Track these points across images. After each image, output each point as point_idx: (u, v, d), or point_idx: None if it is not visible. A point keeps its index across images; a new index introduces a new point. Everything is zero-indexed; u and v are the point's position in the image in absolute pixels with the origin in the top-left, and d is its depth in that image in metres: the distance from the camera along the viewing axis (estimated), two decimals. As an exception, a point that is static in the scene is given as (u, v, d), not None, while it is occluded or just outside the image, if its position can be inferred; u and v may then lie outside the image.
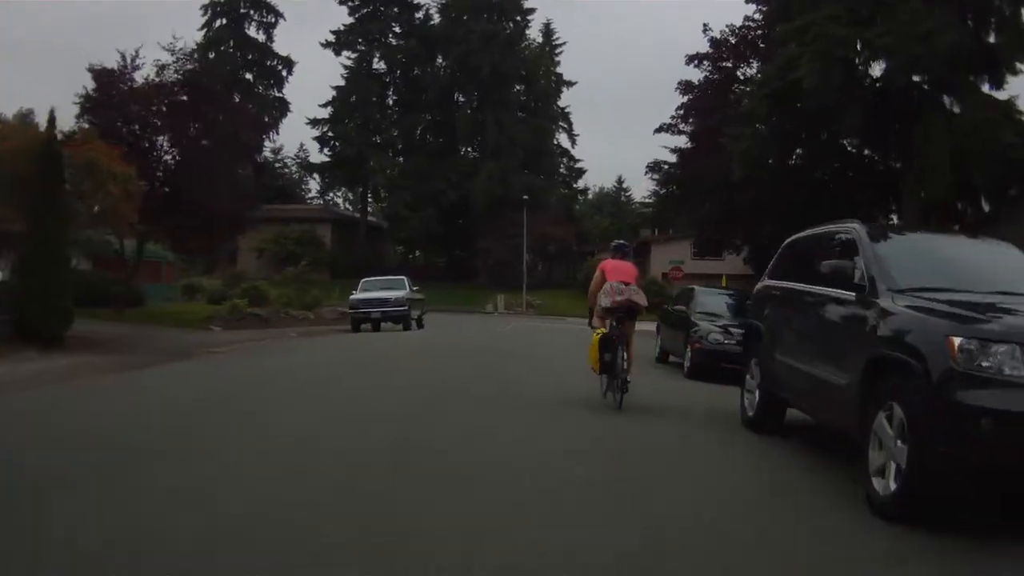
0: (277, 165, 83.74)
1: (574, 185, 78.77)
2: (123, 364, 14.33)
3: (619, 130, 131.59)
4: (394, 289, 28.06)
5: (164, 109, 26.86)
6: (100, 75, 26.36)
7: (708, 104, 39.24)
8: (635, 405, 9.80)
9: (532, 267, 69.16)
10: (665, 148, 72.12)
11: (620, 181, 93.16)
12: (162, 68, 27.29)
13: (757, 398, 8.47)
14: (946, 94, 27.96)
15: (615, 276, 9.96)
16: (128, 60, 27.00)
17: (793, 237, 8.74)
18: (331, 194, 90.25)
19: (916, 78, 27.63)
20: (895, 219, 30.74)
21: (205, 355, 16.98)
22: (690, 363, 15.95)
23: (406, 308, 27.17)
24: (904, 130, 27.62)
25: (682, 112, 42.31)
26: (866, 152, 32.06)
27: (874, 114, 27.12)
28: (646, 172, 45.69)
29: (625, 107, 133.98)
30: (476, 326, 35.57)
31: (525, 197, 59.62)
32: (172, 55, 27.75)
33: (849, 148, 32.11)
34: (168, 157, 28.51)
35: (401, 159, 69.84)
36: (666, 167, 39.75)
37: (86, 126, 25.15)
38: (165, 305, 32.54)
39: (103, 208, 20.07)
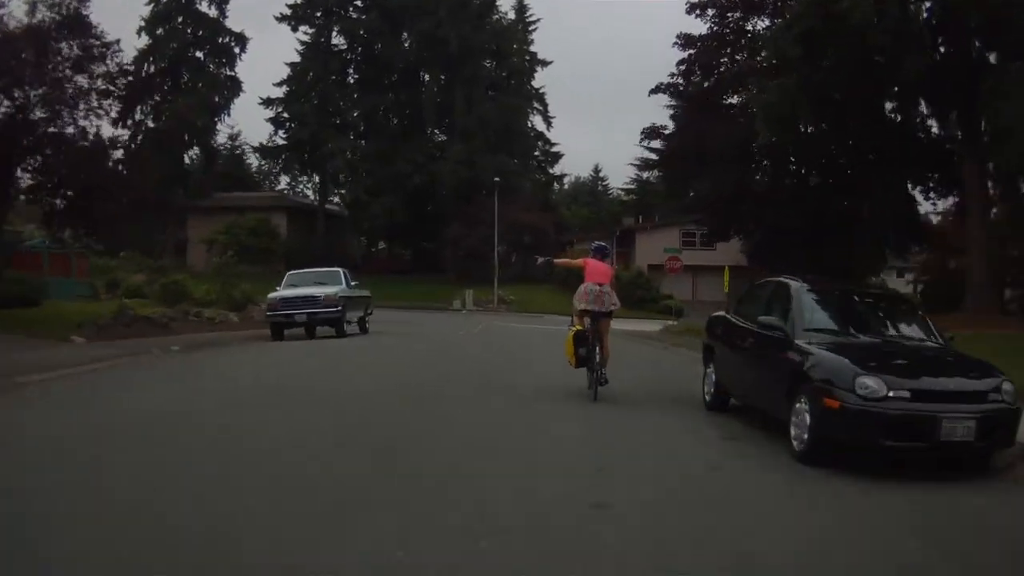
0: (237, 151, 77.94)
1: (550, 171, 73.01)
2: None
3: (596, 119, 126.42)
4: (326, 284, 22.52)
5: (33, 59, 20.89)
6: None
7: (711, 60, 33.18)
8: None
9: (505, 259, 63.76)
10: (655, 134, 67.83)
11: (597, 170, 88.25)
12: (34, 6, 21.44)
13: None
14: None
15: (592, 277, 10.97)
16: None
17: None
18: (297, 183, 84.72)
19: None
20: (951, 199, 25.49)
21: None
22: (814, 435, 7.96)
23: (339, 309, 21.64)
24: (968, 85, 22.20)
25: (683, 68, 35.66)
26: (923, 115, 26.38)
27: (934, 64, 21.72)
28: (641, 138, 40.10)
29: (602, 96, 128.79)
30: (438, 327, 30.33)
31: (496, 179, 54.19)
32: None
33: (891, 114, 26.54)
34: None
35: (363, 142, 63.99)
36: (665, 133, 33.08)
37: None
38: (68, 304, 26.92)
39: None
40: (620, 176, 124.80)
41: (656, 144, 79.05)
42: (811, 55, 23.04)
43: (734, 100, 28.66)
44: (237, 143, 76.41)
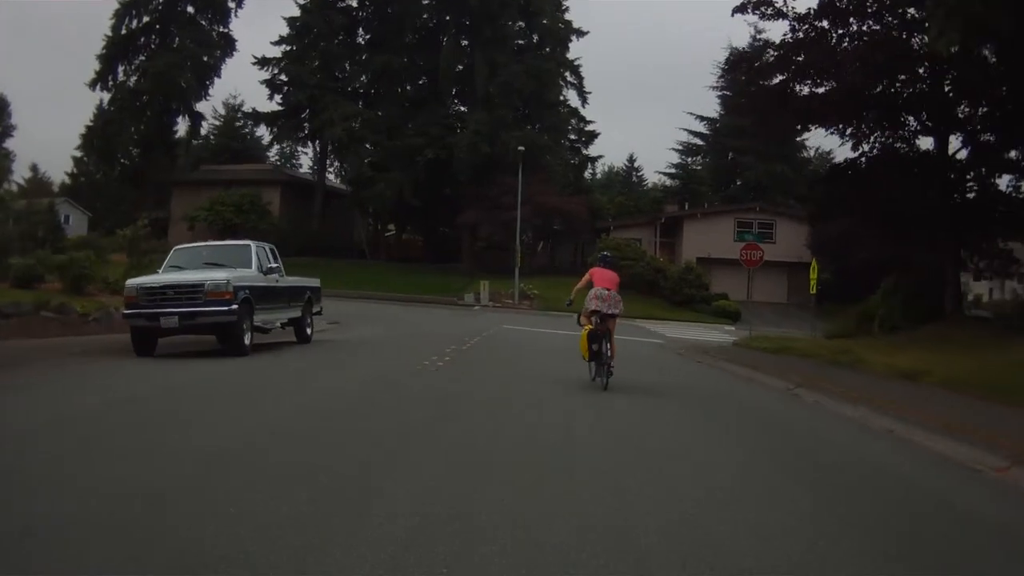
0: (238, 124, 69.86)
1: (584, 152, 64.02)
2: None
3: (629, 108, 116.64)
4: (223, 267, 14.04)
5: None
6: None
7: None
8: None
9: (530, 247, 55.18)
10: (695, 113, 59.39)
11: (632, 160, 78.85)
12: None
13: None
14: None
15: (601, 282, 11.87)
16: None
17: None
18: (295, 155, 76.62)
19: None
20: None
21: None
22: None
23: (230, 309, 13.05)
24: None
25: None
26: None
27: None
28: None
29: (640, 85, 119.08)
30: (425, 334, 22.10)
31: (521, 148, 45.56)
32: None
33: None
34: None
35: (371, 110, 55.40)
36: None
37: None
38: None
39: None
40: (657, 167, 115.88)
41: (702, 128, 72.32)
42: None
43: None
44: (238, 114, 68.60)
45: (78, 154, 67.06)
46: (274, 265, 15.03)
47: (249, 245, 14.97)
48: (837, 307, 48.65)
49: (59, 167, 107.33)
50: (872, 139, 21.72)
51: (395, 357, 14.82)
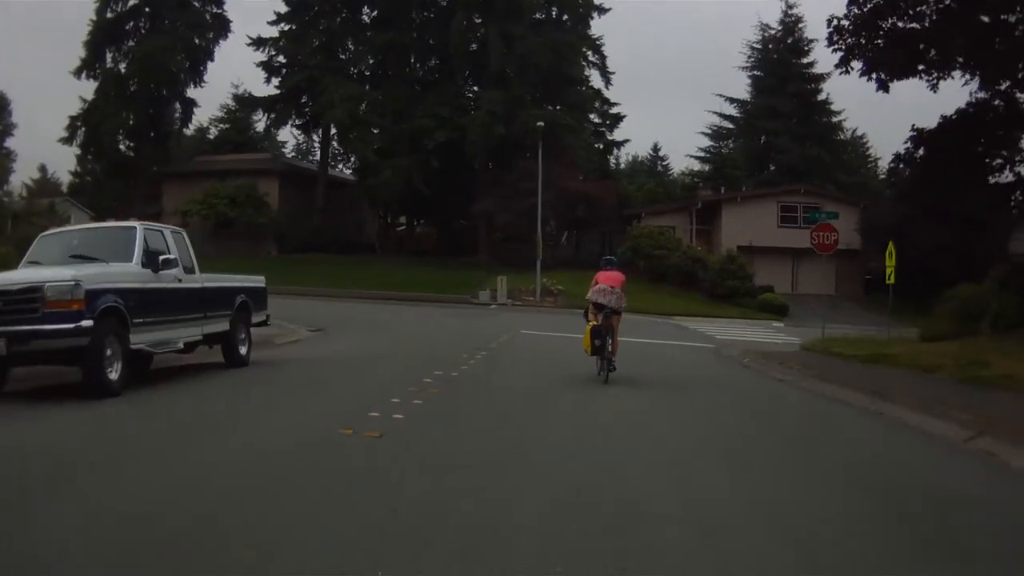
0: (240, 114, 65.21)
1: (609, 136, 58.78)
2: None
3: (653, 96, 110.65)
4: (94, 261, 9.44)
5: None
6: None
7: None
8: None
9: (554, 238, 50.39)
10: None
11: (656, 149, 73.65)
12: None
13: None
14: None
15: (605, 282, 12.48)
16: None
17: None
18: (298, 143, 72.40)
19: None
20: None
21: None
22: None
23: (82, 327, 8.33)
24: None
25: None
26: None
27: None
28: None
29: (663, 70, 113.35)
30: (415, 348, 17.69)
31: (540, 124, 40.72)
32: None
33: None
34: None
35: (375, 92, 50.59)
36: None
37: None
38: None
39: None
40: (682, 157, 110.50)
41: (732, 111, 67.12)
42: None
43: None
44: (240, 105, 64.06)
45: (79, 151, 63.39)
46: (171, 257, 10.18)
47: (134, 228, 10.15)
48: (892, 301, 43.60)
49: (68, 167, 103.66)
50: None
51: (353, 392, 10.18)
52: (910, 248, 29.88)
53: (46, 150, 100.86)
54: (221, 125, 66.60)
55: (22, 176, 63.80)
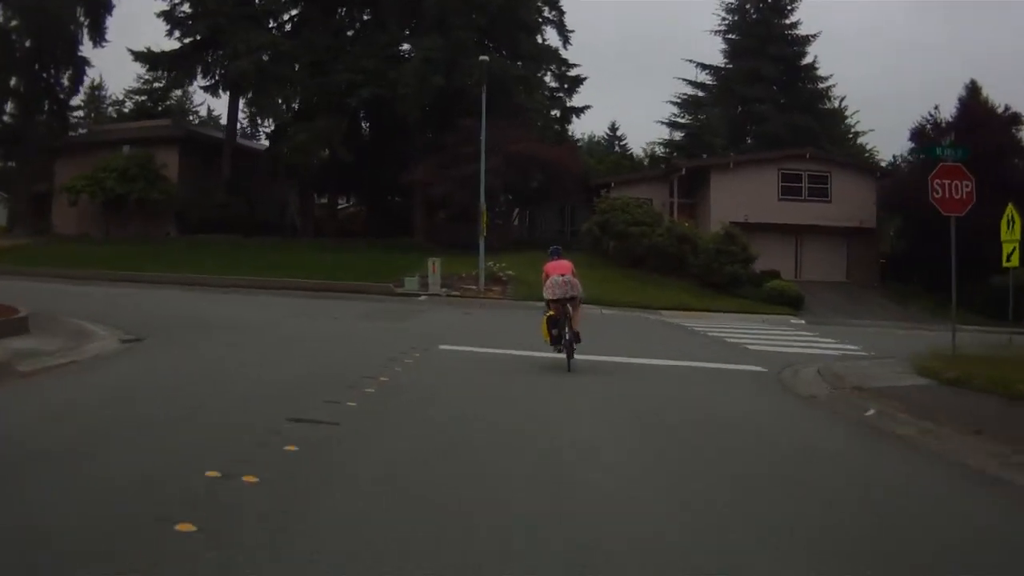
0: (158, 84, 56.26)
1: (569, 103, 50.16)
2: None
3: (608, 78, 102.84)
4: None
5: None
6: None
7: None
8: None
9: (505, 215, 42.55)
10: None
11: (614, 128, 65.52)
12: None
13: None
14: None
15: (555, 272, 12.60)
16: None
17: None
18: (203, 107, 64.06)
19: None
20: None
21: None
22: None
23: None
24: None
25: None
26: None
27: None
28: None
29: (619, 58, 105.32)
30: (257, 378, 10.44)
31: (483, 58, 32.79)
32: None
33: None
34: None
35: (291, 41, 42.24)
36: None
37: None
38: None
39: None
40: (642, 138, 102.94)
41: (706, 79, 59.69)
42: None
43: None
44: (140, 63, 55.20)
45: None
46: None
47: None
48: (912, 289, 36.67)
49: None
50: None
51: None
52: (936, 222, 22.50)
53: None
54: (136, 97, 58.40)
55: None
